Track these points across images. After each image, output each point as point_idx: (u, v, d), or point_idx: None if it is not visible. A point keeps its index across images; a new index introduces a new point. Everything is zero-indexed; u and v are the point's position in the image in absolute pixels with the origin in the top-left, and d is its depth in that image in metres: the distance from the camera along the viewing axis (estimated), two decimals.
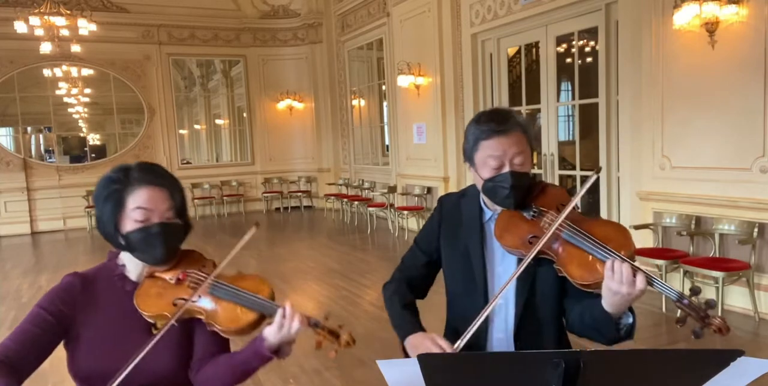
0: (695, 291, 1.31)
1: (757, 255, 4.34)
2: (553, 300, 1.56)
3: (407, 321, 1.62)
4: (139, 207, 1.37)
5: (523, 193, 1.53)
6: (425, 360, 1.05)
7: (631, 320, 1.40)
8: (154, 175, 1.42)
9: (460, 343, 1.40)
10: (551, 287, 1.52)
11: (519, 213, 1.54)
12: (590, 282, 1.39)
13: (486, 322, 1.58)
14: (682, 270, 4.47)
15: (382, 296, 1.76)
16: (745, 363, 1.06)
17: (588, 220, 1.48)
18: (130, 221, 1.38)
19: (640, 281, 1.29)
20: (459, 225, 1.68)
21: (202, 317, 1.39)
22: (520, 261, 1.51)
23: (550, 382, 1.02)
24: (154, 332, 1.38)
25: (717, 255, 4.57)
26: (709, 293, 4.62)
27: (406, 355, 1.57)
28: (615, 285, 1.31)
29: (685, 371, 1.06)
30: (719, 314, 4.16)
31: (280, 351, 1.39)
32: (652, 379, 1.06)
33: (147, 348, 1.27)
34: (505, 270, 1.60)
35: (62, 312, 1.40)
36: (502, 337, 1.59)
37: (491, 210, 1.64)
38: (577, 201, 1.46)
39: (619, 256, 1.35)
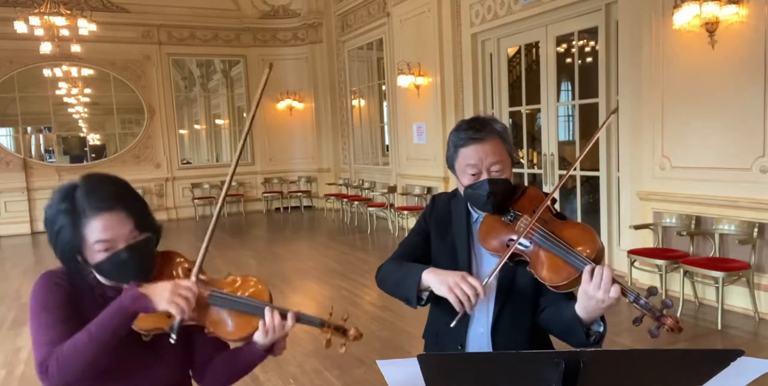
0: (652, 291, 1.36)
1: (757, 255, 4.34)
2: (530, 298, 1.61)
3: (419, 265, 1.59)
4: (99, 240, 1.28)
5: (501, 198, 1.59)
6: (425, 360, 1.05)
7: (602, 329, 1.45)
8: (102, 199, 1.29)
9: (488, 280, 1.48)
10: (529, 286, 1.58)
11: (499, 217, 1.60)
12: (558, 284, 1.44)
13: (467, 317, 1.62)
14: (682, 270, 4.47)
15: (376, 276, 1.75)
16: (745, 363, 1.07)
17: (558, 223, 1.54)
18: (95, 253, 1.30)
19: (614, 290, 1.33)
20: (449, 224, 1.74)
21: (204, 326, 1.35)
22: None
23: (550, 382, 1.02)
24: (145, 339, 1.33)
25: (717, 255, 4.57)
26: (709, 293, 4.63)
27: (419, 294, 1.55)
28: (592, 289, 1.35)
29: (685, 371, 1.06)
30: (720, 315, 4.17)
31: (274, 347, 1.40)
32: (652, 379, 1.06)
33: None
34: (488, 270, 1.64)
35: (70, 304, 1.33)
36: (483, 332, 1.65)
37: (477, 212, 1.70)
38: (547, 203, 1.52)
39: (586, 260, 1.40)
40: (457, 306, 1.45)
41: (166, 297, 1.23)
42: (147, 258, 1.35)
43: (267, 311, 1.32)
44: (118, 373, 1.33)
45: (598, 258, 1.42)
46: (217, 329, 1.35)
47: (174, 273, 1.40)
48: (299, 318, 1.35)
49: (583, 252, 1.43)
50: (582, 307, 1.40)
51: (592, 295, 1.35)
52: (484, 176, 1.57)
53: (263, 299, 1.37)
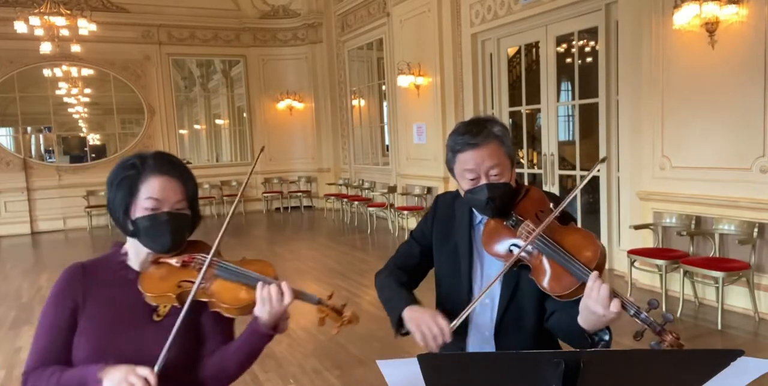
0: (653, 305, 1.32)
1: (757, 255, 4.34)
2: (534, 302, 1.59)
3: (405, 296, 1.63)
4: (150, 197, 1.40)
5: (500, 203, 1.56)
6: (425, 360, 1.05)
7: (607, 337, 1.41)
8: (169, 165, 1.44)
9: (456, 323, 1.47)
10: (534, 290, 1.54)
11: (501, 221, 1.57)
12: (560, 293, 1.41)
13: (467, 319, 1.62)
14: (682, 270, 4.47)
15: (374, 282, 1.78)
16: (745, 363, 1.07)
17: (560, 229, 1.50)
18: (141, 208, 1.40)
19: (615, 305, 1.30)
20: (452, 224, 1.72)
21: (206, 299, 1.40)
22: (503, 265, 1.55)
23: (550, 382, 1.02)
24: (156, 319, 1.41)
25: (717, 255, 4.57)
26: (709, 293, 4.63)
27: (399, 327, 1.60)
28: (592, 304, 1.32)
29: (685, 371, 1.06)
30: (720, 315, 4.17)
31: (277, 327, 1.42)
32: (652, 379, 1.06)
33: (174, 330, 1.31)
34: (491, 273, 1.64)
35: (69, 308, 1.43)
36: (487, 335, 1.64)
37: (480, 214, 1.68)
38: (556, 214, 1.46)
39: (586, 270, 1.37)
40: (422, 344, 1.48)
41: (115, 382, 1.28)
42: (181, 231, 1.44)
43: (260, 282, 1.38)
44: (117, 347, 1.37)
45: (600, 265, 1.39)
46: (218, 301, 1.39)
47: (196, 253, 1.47)
48: (297, 293, 1.39)
49: (583, 259, 1.40)
50: (583, 319, 1.37)
51: (593, 310, 1.32)
52: (483, 180, 1.55)
53: (267, 274, 1.42)
